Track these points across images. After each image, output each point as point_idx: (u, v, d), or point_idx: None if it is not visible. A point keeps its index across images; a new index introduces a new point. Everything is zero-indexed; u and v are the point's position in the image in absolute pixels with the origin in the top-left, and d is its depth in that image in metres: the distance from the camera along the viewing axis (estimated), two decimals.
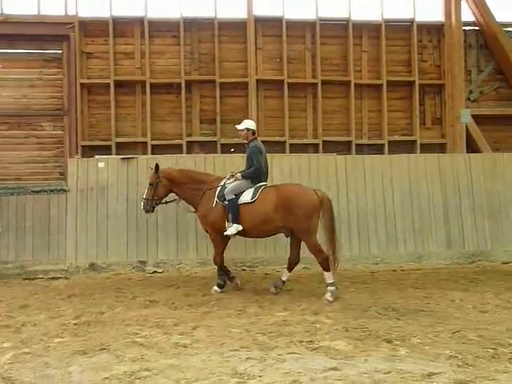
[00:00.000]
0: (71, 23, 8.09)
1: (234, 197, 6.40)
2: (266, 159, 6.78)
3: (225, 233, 6.43)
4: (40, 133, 8.12)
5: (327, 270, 5.99)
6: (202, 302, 5.81)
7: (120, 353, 3.98)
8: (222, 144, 8.42)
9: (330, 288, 5.93)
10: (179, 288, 6.67)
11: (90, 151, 8.16)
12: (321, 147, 8.61)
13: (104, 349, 4.11)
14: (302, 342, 4.15)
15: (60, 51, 8.18)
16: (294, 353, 3.88)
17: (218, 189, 6.54)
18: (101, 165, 7.89)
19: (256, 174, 6.55)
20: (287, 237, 6.57)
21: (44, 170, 8.05)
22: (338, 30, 8.83)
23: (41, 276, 7.56)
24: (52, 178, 8.00)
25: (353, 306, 5.45)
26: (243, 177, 6.55)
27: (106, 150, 8.17)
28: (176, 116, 8.40)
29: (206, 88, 8.48)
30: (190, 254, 7.95)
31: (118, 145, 8.23)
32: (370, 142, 8.86)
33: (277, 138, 8.60)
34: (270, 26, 8.66)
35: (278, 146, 8.52)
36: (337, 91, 8.83)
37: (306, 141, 8.72)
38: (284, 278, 6.48)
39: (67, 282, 7.31)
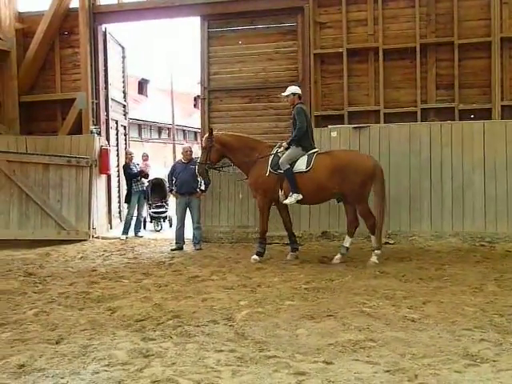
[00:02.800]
0: None
1: (289, 166, 7.61)
2: (311, 123, 7.99)
3: (284, 201, 7.78)
4: (276, 104, 10.24)
5: (374, 233, 7.61)
6: (434, 277, 6.64)
7: (346, 321, 4.79)
8: (460, 110, 9.37)
9: (377, 251, 7.62)
10: (411, 261, 7.81)
11: (323, 121, 9.87)
12: None
13: (331, 315, 4.99)
14: None
15: (295, 23, 10.28)
16: None
17: (271, 158, 7.82)
18: (334, 134, 9.71)
19: (299, 136, 7.74)
20: (338, 202, 8.01)
21: (281, 140, 10.22)
22: None
23: (276, 241, 9.66)
24: None
25: None
26: (289, 144, 7.82)
27: (338, 119, 9.80)
28: (410, 82, 9.61)
29: (443, 51, 9.51)
30: (424, 226, 9.26)
31: (351, 114, 9.78)
32: None
33: None
34: None
35: None
36: None
37: None
38: (347, 245, 7.82)
39: (300, 248, 9.05)
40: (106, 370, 3.84)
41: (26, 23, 11.40)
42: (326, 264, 7.74)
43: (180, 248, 9.55)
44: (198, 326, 4.89)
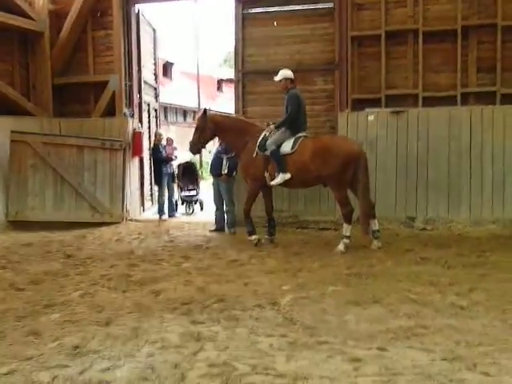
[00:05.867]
0: None
1: (275, 148, 7.68)
2: (305, 108, 7.96)
3: (271, 182, 7.85)
4: (312, 87, 10.07)
5: (349, 223, 7.66)
6: (476, 264, 6.59)
7: (394, 307, 4.80)
8: (502, 94, 9.19)
9: (345, 240, 7.62)
10: (451, 247, 7.74)
11: (359, 104, 9.75)
12: None
13: (377, 302, 4.99)
14: None
15: (332, 5, 10.12)
16: None
17: (259, 139, 7.89)
18: (371, 118, 9.61)
19: (289, 121, 7.84)
20: (325, 187, 8.02)
21: (316, 124, 10.09)
22: None
23: (312, 226, 9.64)
24: (323, 131, 9.92)
25: None
26: (278, 127, 7.89)
27: (375, 103, 9.67)
28: (450, 66, 9.42)
29: (485, 33, 9.28)
30: (463, 213, 9.14)
31: (388, 97, 9.64)
32: None
33: None
34: None
35: None
36: None
37: None
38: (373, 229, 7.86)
39: (336, 233, 9.07)
40: (161, 353, 3.88)
41: (58, 4, 11.41)
42: (365, 250, 7.69)
43: (217, 230, 9.60)
44: (244, 310, 4.93)
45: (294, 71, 9.62)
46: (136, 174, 11.37)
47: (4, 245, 8.34)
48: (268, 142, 7.84)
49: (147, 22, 12.07)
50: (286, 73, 8.05)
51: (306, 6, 10.18)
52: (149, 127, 12.13)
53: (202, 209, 12.56)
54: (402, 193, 9.44)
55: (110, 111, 11.10)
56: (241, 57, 10.47)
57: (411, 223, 9.35)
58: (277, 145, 7.81)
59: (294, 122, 7.90)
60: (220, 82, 43.40)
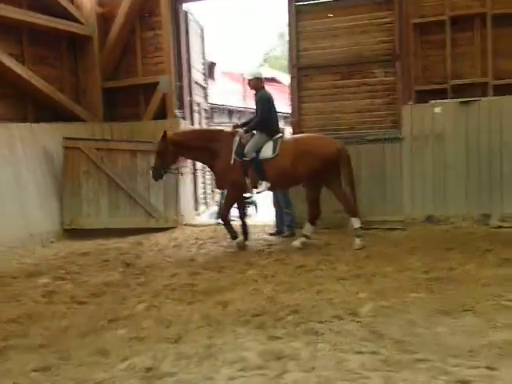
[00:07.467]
0: None
1: (255, 155, 7.45)
2: (276, 109, 7.72)
3: (255, 191, 7.73)
4: (371, 80, 9.59)
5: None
6: None
7: (489, 316, 4.32)
8: None
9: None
10: None
11: (423, 96, 9.18)
12: None
13: (468, 310, 4.53)
14: None
15: None
16: None
17: (235, 145, 7.57)
18: (437, 110, 9.05)
19: (260, 124, 7.70)
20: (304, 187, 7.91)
21: (376, 118, 9.59)
22: None
23: (377, 226, 9.11)
24: (384, 126, 9.51)
25: None
26: (248, 130, 7.76)
27: (440, 93, 9.09)
28: None
29: None
30: None
31: (454, 87, 9.03)
32: None
33: None
34: None
35: None
36: None
37: None
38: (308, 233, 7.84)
39: (404, 233, 8.65)
40: (243, 376, 3.54)
41: (106, 7, 11.28)
42: (439, 252, 7.17)
43: (276, 233, 9.27)
44: (321, 322, 4.54)
45: (351, 64, 9.32)
46: (189, 177, 11.10)
47: (61, 254, 8.19)
48: (247, 149, 7.65)
49: (195, 21, 11.82)
50: (257, 72, 8.08)
51: None
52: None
53: (256, 211, 12.22)
54: (474, 189, 8.86)
55: (161, 113, 10.88)
56: (295, 51, 10.07)
57: (486, 221, 8.75)
58: (256, 150, 7.65)
59: (267, 124, 7.75)
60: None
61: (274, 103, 7.93)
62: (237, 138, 7.79)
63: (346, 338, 4.15)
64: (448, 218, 8.84)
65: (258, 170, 7.61)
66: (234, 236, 8.00)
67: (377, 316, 4.56)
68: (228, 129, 8.43)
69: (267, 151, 7.64)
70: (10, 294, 5.89)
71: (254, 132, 7.81)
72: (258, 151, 7.65)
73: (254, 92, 8.01)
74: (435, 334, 4.10)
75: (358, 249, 7.41)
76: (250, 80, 7.98)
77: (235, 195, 8.08)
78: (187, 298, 5.53)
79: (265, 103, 7.75)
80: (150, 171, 8.15)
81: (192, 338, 4.33)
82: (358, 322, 4.51)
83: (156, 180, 8.25)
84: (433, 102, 9.12)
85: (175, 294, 5.69)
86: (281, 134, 7.88)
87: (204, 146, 7.89)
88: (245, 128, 7.90)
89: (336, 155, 7.53)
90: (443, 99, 9.15)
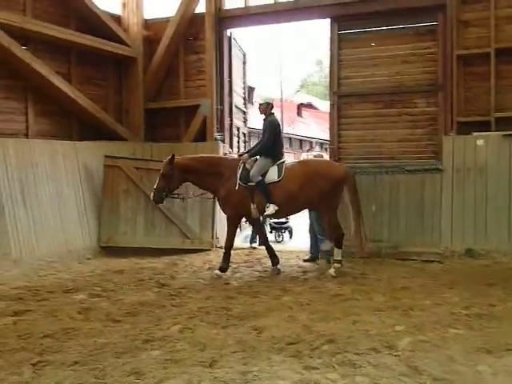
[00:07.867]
0: None
1: (261, 178, 7.45)
2: (282, 135, 7.96)
3: (265, 213, 7.63)
4: (412, 110, 9.54)
5: (340, 247, 7.80)
6: None
7: None
8: None
9: (336, 265, 7.76)
10: None
11: (465, 128, 9.09)
12: None
13: (511, 350, 4.39)
14: None
15: (435, 23, 9.57)
16: None
17: (239, 170, 7.56)
18: (480, 142, 8.92)
19: (264, 149, 7.83)
20: (310, 211, 8.18)
21: (416, 148, 9.51)
22: None
23: (414, 257, 8.95)
24: (424, 156, 9.41)
25: None
26: (253, 155, 7.84)
27: (483, 126, 8.97)
28: None
29: None
30: None
31: (498, 120, 8.91)
32: None
33: None
34: None
35: None
36: None
37: None
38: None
39: (442, 266, 8.45)
40: None
41: (151, 30, 11.53)
42: (479, 287, 6.99)
43: (311, 260, 9.15)
44: (358, 353, 4.45)
45: (393, 93, 9.29)
46: None
47: (97, 271, 8.26)
48: (252, 173, 7.67)
49: (238, 46, 11.98)
50: (268, 98, 8.46)
51: (406, 25, 9.68)
52: (238, 151, 11.92)
53: (291, 237, 12.17)
54: None
55: (201, 136, 10.99)
56: (336, 78, 10.10)
57: None
58: (261, 174, 7.69)
59: (272, 149, 7.84)
60: (300, 107, 43.34)
61: (281, 130, 8.18)
62: (241, 164, 7.84)
63: (384, 371, 4.07)
64: (489, 252, 8.63)
65: (265, 193, 7.61)
66: (222, 267, 7.86)
67: (415, 351, 4.44)
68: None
69: (273, 175, 7.71)
70: (47, 309, 5.98)
71: (257, 157, 7.87)
72: (263, 175, 7.70)
73: (263, 117, 8.12)
74: (476, 372, 3.97)
75: (335, 276, 7.66)
76: (260, 104, 8.16)
77: (235, 222, 8.12)
78: (221, 321, 5.51)
79: (273, 129, 7.88)
80: (152, 192, 7.94)
81: (227, 363, 4.30)
82: (395, 355, 4.41)
83: (156, 203, 8.21)
84: (476, 134, 8.99)
85: (210, 317, 5.67)
86: (283, 160, 7.99)
87: (211, 171, 7.89)
88: (249, 153, 7.98)
89: (344, 177, 7.71)
90: (487, 131, 9.01)
